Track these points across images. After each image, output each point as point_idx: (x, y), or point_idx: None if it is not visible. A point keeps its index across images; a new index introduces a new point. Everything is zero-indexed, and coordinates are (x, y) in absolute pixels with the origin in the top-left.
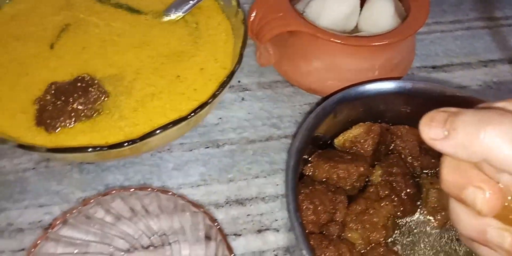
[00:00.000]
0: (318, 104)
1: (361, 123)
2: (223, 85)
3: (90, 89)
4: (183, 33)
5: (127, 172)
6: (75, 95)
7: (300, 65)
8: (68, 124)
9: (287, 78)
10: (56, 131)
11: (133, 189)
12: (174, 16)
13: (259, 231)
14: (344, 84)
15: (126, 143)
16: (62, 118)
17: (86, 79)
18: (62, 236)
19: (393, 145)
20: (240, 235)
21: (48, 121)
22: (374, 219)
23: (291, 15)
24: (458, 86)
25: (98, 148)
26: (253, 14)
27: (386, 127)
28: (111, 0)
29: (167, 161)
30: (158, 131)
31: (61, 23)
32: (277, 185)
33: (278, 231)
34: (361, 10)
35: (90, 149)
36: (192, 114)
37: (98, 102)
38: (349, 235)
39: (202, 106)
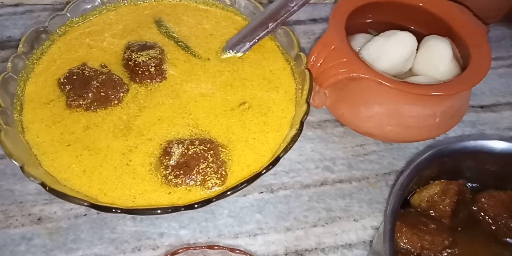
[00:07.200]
0: (409, 161)
1: (437, 181)
2: (294, 139)
3: None
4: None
5: (182, 220)
6: None
7: (360, 110)
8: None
9: (343, 120)
10: None
11: (203, 247)
12: (232, 54)
13: None
14: (404, 130)
15: (196, 205)
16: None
17: None
18: None
19: (474, 208)
20: None
21: None
22: None
23: (355, 60)
24: (507, 128)
25: (170, 209)
26: (313, 58)
27: (464, 183)
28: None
29: (221, 207)
30: (229, 193)
31: None
32: (336, 234)
33: None
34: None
35: (170, 210)
36: (264, 171)
37: None
38: None
39: (274, 162)
